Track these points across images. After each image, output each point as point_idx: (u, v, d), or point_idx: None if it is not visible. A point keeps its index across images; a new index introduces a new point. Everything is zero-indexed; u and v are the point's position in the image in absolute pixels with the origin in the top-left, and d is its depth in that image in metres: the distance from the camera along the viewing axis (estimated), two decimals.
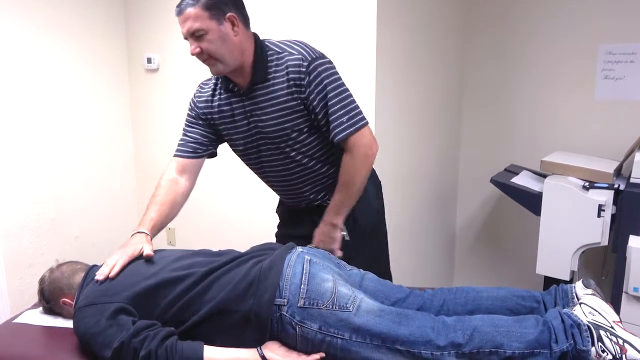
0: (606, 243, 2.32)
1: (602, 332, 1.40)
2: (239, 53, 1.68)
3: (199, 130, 1.87)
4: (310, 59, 1.67)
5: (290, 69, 1.67)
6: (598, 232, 2.29)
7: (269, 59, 1.71)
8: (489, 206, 3.20)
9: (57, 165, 2.85)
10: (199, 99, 1.86)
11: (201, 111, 1.85)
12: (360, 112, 1.73)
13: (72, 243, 2.95)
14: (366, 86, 2.30)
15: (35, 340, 1.62)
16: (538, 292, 1.63)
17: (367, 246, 1.90)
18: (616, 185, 2.29)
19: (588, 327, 1.41)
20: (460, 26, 3.05)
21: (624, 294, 2.24)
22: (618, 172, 2.47)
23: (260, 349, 1.45)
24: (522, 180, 2.61)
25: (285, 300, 1.46)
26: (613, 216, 2.30)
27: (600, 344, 1.39)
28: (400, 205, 2.63)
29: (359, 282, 1.64)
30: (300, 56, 1.67)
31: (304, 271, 1.50)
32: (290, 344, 1.48)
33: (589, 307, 1.47)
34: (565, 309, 1.49)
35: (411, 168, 2.71)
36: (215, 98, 1.82)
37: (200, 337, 1.46)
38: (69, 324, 1.63)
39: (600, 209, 2.26)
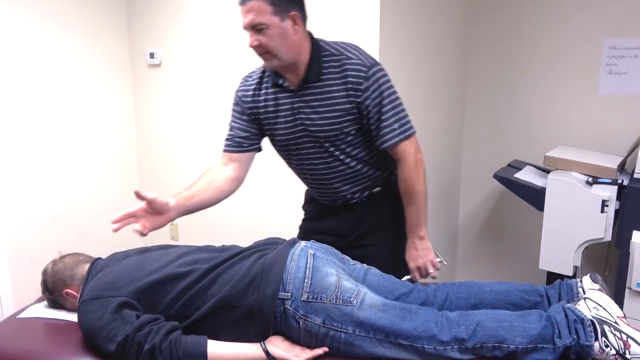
0: (609, 238, 2.31)
1: (605, 327, 1.40)
2: (296, 51, 1.69)
3: (243, 126, 1.88)
4: (369, 64, 1.70)
5: (349, 72, 1.69)
6: (601, 228, 2.28)
7: (324, 59, 1.73)
8: (492, 201, 3.20)
9: (60, 161, 2.86)
10: (244, 93, 1.87)
11: (247, 105, 1.86)
12: (410, 121, 1.77)
13: (76, 238, 2.96)
14: None
15: (39, 335, 1.62)
16: (541, 286, 1.63)
17: (388, 251, 1.91)
18: (620, 181, 2.29)
19: (592, 321, 1.41)
20: (464, 20, 3.04)
21: (627, 289, 2.24)
22: (622, 168, 2.46)
23: (264, 344, 1.45)
24: (525, 175, 2.61)
25: (289, 294, 1.46)
26: (616, 211, 2.29)
27: (604, 338, 1.39)
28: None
29: (363, 277, 1.65)
30: (359, 61, 1.70)
31: (308, 265, 1.50)
32: (294, 338, 1.49)
33: (594, 302, 1.47)
34: (569, 304, 1.49)
35: None
36: (262, 92, 1.83)
37: (203, 332, 1.47)
38: (72, 317, 1.64)
39: (604, 204, 2.26)
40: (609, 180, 2.29)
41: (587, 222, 2.30)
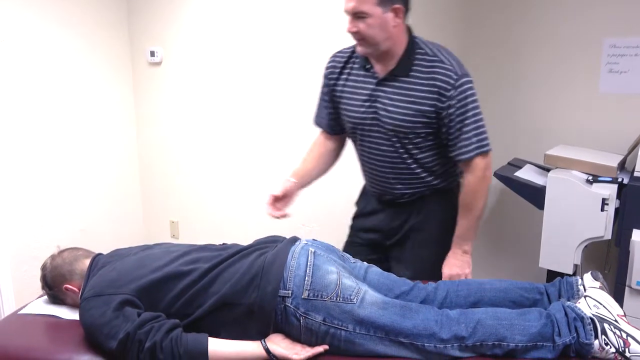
0: (609, 237, 2.31)
1: (606, 325, 1.40)
2: (392, 43, 1.72)
3: (326, 104, 1.97)
4: (460, 74, 1.70)
5: (438, 76, 1.70)
6: (601, 226, 2.28)
7: (416, 56, 1.74)
8: (492, 200, 3.20)
9: (61, 158, 2.86)
10: (331, 70, 1.92)
11: (330, 82, 1.92)
12: (488, 137, 1.77)
13: (77, 235, 2.96)
14: None
15: (41, 332, 1.62)
16: (541, 284, 1.64)
17: (425, 255, 1.92)
18: (620, 179, 2.29)
19: (592, 319, 1.41)
20: (463, 18, 3.04)
21: (626, 287, 2.24)
22: (622, 166, 2.46)
23: (264, 342, 1.46)
24: (526, 174, 2.61)
25: (290, 292, 1.47)
26: (616, 210, 2.29)
27: (603, 336, 1.39)
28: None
29: (363, 275, 1.65)
30: (451, 67, 1.70)
31: (309, 263, 1.51)
32: (294, 336, 1.49)
33: (594, 300, 1.47)
34: (569, 302, 1.49)
35: None
36: (346, 70, 1.87)
37: (204, 330, 1.47)
38: (73, 315, 1.64)
39: (604, 202, 2.26)
40: (609, 179, 2.29)
41: (587, 220, 2.30)
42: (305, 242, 1.61)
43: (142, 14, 3.02)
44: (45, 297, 1.76)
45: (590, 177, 2.32)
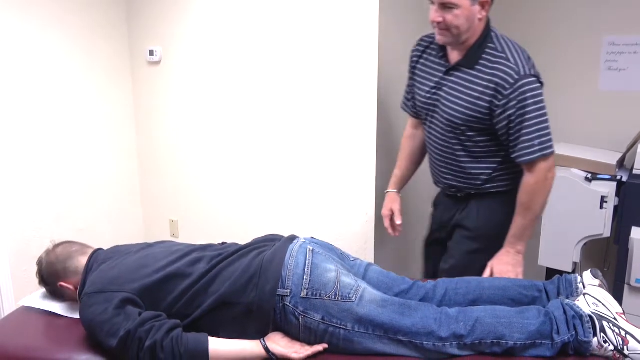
0: (609, 235, 2.32)
1: (604, 323, 1.41)
2: (472, 34, 1.72)
3: (411, 94, 2.02)
4: (522, 73, 1.67)
5: (498, 73, 1.69)
6: (601, 224, 2.29)
7: (486, 50, 1.74)
8: None
9: (60, 158, 2.86)
10: (414, 53, 1.97)
11: (412, 65, 1.97)
12: (551, 139, 1.73)
13: (77, 235, 2.96)
14: (368, 75, 2.30)
15: (40, 332, 1.62)
16: (540, 281, 1.64)
17: (479, 252, 1.91)
18: (619, 177, 2.29)
19: (591, 317, 1.41)
20: None
21: (626, 285, 2.25)
22: (621, 164, 2.46)
23: (264, 341, 1.46)
24: None
25: (288, 291, 1.47)
26: (616, 208, 2.29)
27: (602, 334, 1.39)
28: (402, 195, 2.63)
29: (363, 273, 1.65)
30: (514, 67, 1.68)
31: (307, 262, 1.50)
32: (293, 334, 1.49)
33: (593, 297, 1.47)
34: (568, 300, 1.50)
35: None
36: (425, 56, 1.92)
37: (203, 330, 1.47)
38: (73, 311, 1.64)
39: (603, 200, 2.26)
40: (608, 177, 2.29)
41: (587, 218, 2.31)
42: (304, 240, 1.61)
43: (141, 13, 3.02)
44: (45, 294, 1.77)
45: (589, 175, 2.33)
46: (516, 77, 1.67)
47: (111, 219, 3.15)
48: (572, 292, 1.57)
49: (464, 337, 1.42)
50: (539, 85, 1.70)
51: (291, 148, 2.58)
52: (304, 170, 2.56)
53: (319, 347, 1.46)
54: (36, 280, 1.73)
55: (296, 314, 1.46)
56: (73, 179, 2.94)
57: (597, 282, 1.54)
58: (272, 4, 2.50)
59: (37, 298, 1.75)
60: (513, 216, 1.83)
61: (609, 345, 1.39)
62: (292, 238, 1.64)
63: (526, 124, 1.68)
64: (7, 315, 1.79)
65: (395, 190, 2.11)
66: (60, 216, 2.88)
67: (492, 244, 1.87)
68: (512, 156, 1.75)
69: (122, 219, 3.20)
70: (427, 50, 1.91)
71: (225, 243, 1.78)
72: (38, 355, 1.52)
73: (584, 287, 1.55)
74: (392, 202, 2.10)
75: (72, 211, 2.94)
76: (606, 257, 2.74)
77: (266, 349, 1.44)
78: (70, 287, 1.65)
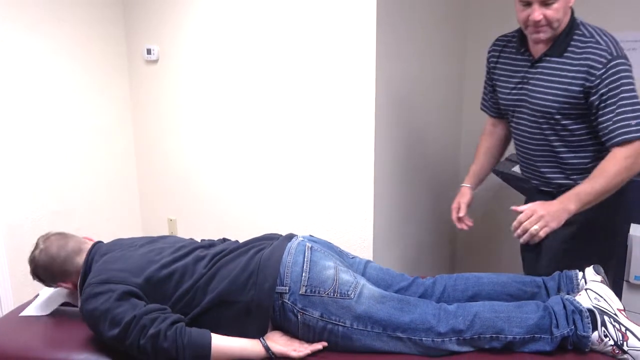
0: None
1: (606, 318, 1.41)
2: (563, 24, 1.71)
3: (490, 94, 2.02)
4: (615, 54, 1.65)
5: (590, 55, 1.66)
6: None
7: (574, 37, 1.72)
8: (490, 195, 3.20)
9: (58, 158, 2.85)
10: (492, 54, 1.97)
11: (490, 66, 1.96)
12: None
13: (75, 234, 2.95)
14: (366, 75, 2.30)
15: (39, 332, 1.62)
16: (539, 277, 1.64)
17: (588, 240, 1.83)
18: None
19: (592, 311, 1.41)
20: (462, 11, 3.03)
21: (625, 282, 2.24)
22: None
23: (264, 340, 1.45)
24: None
25: (287, 288, 1.46)
26: None
27: (603, 328, 1.40)
28: (401, 194, 2.63)
29: (362, 270, 1.65)
30: (606, 48, 1.66)
31: (306, 259, 1.50)
32: (292, 332, 1.49)
33: (595, 293, 1.48)
34: (568, 295, 1.50)
35: (412, 157, 2.70)
36: (504, 54, 1.91)
37: (202, 327, 1.46)
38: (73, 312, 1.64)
39: None
40: None
41: None
42: (302, 238, 1.61)
43: (138, 11, 3.01)
44: (45, 297, 1.76)
45: None
46: (609, 57, 1.64)
47: (109, 217, 3.14)
48: (573, 288, 1.57)
49: (463, 332, 1.42)
50: (630, 66, 1.67)
51: (289, 147, 2.58)
52: (302, 170, 2.56)
53: (318, 346, 1.46)
54: (34, 281, 1.71)
55: (295, 311, 1.46)
56: (70, 177, 2.93)
57: (599, 278, 1.54)
58: (269, 3, 2.50)
59: (35, 306, 1.74)
60: (609, 211, 1.75)
61: (609, 339, 1.39)
62: (290, 236, 1.63)
63: (621, 103, 1.63)
64: (5, 314, 1.79)
65: (469, 185, 2.07)
66: (57, 215, 2.87)
67: (589, 239, 1.81)
68: (606, 139, 1.66)
69: (119, 218, 3.20)
70: (505, 49, 1.91)
71: (227, 239, 1.77)
72: (36, 354, 1.51)
73: (585, 282, 1.55)
74: (462, 195, 2.05)
75: (70, 210, 2.94)
76: None
77: (266, 347, 1.44)
78: (70, 286, 1.65)
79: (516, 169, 2.59)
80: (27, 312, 1.73)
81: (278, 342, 1.46)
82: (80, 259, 1.64)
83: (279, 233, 1.75)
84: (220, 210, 2.93)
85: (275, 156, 2.64)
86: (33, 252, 1.67)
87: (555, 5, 1.64)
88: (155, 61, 3.00)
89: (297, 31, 2.43)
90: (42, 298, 1.77)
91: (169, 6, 2.87)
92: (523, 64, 1.83)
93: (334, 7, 2.33)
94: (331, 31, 2.35)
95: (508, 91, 1.88)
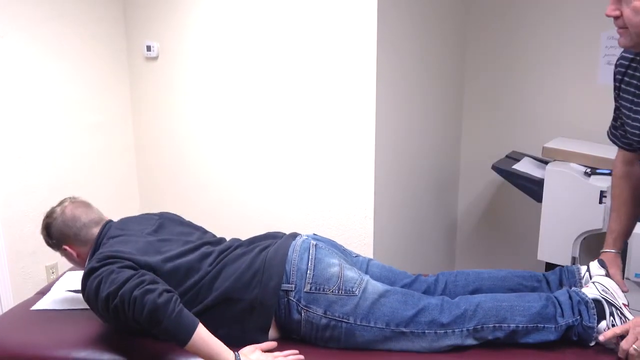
0: None
1: (613, 309, 1.42)
2: None
3: (620, 119, 1.56)
4: None
5: None
6: (599, 219, 2.29)
7: None
8: (490, 193, 3.20)
9: (58, 154, 2.85)
10: (616, 70, 1.53)
11: (616, 84, 1.53)
12: None
13: None
14: (366, 72, 2.30)
15: (39, 328, 1.62)
16: (540, 272, 1.65)
17: None
18: None
19: (600, 302, 1.43)
20: (462, 12, 3.03)
21: (625, 280, 2.25)
22: None
23: (238, 354, 1.38)
24: (524, 166, 2.61)
25: (293, 286, 1.47)
26: None
27: (612, 318, 1.40)
28: (401, 192, 2.63)
29: (365, 269, 1.65)
30: None
31: (310, 256, 1.50)
32: (295, 330, 1.49)
33: (602, 285, 1.48)
34: (574, 288, 1.51)
35: (412, 154, 2.70)
36: (629, 71, 1.48)
37: (204, 324, 1.46)
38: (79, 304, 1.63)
39: (602, 195, 2.26)
40: (607, 171, 2.29)
41: (585, 213, 2.30)
42: (306, 236, 1.61)
43: (138, 8, 3.00)
44: (56, 293, 1.76)
45: (589, 170, 2.33)
46: None
47: (109, 214, 3.13)
48: (575, 282, 1.58)
49: (466, 321, 1.42)
50: None
51: (289, 145, 2.57)
52: (302, 167, 2.56)
53: (293, 357, 1.41)
54: (34, 278, 1.71)
55: (299, 308, 1.46)
56: (70, 174, 2.93)
57: (603, 271, 1.55)
58: (269, 1, 2.49)
59: (47, 301, 1.74)
60: None
61: None
62: (294, 235, 1.64)
63: None
64: (6, 311, 1.79)
65: (614, 251, 1.63)
66: None
67: None
68: None
69: (119, 215, 3.19)
70: (630, 66, 1.48)
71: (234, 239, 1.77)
72: (37, 351, 1.51)
73: (590, 276, 1.56)
74: (610, 265, 1.61)
75: None
76: None
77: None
78: (73, 253, 1.65)
79: (517, 166, 2.60)
80: (40, 305, 1.73)
81: (250, 357, 1.40)
82: (95, 230, 1.66)
83: (281, 231, 1.75)
84: (221, 208, 2.93)
85: (276, 154, 2.64)
86: (54, 207, 1.70)
87: (635, 3, 1.25)
88: (155, 58, 3.00)
89: (299, 27, 2.43)
90: (59, 295, 1.77)
91: (169, 3, 2.86)
92: None
93: (335, 4, 2.33)
94: (333, 27, 2.34)
95: (634, 116, 1.46)
